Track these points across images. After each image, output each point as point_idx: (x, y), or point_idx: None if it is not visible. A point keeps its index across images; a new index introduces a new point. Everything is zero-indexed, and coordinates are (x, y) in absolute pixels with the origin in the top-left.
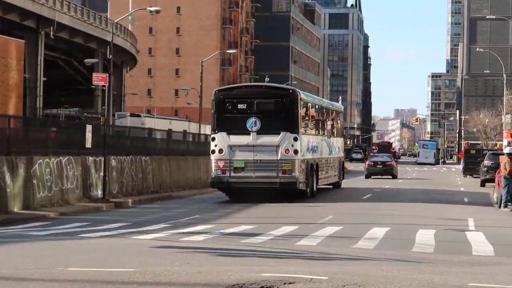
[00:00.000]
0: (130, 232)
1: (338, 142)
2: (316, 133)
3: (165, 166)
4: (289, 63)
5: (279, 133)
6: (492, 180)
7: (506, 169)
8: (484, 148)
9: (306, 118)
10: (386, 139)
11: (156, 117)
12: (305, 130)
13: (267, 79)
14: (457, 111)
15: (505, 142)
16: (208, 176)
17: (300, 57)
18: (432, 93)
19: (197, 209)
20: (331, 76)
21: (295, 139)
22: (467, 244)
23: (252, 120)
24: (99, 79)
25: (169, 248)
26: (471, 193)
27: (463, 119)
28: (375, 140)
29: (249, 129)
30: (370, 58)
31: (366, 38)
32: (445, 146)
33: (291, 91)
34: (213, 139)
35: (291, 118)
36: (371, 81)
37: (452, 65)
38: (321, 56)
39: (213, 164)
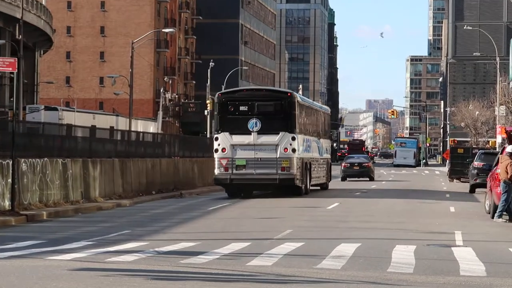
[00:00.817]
0: (45, 252)
1: (326, 144)
2: (310, 134)
3: (88, 170)
4: (239, 45)
5: (278, 133)
6: (483, 185)
7: (507, 172)
8: (474, 146)
9: (302, 119)
10: (356, 136)
11: (77, 111)
12: (301, 131)
13: (211, 64)
14: (442, 102)
15: (498, 139)
16: (140, 183)
17: (252, 37)
18: (412, 80)
19: (127, 223)
20: (289, 60)
21: (293, 138)
22: (453, 262)
23: (253, 121)
24: (6, 64)
25: (92, 271)
26: (459, 201)
27: (448, 111)
28: (343, 137)
29: (250, 129)
30: (336, 38)
31: (331, 14)
32: (427, 145)
33: (289, 94)
34: (216, 138)
35: (289, 119)
36: (338, 66)
37: (435, 46)
38: (277, 36)
39: (216, 162)
